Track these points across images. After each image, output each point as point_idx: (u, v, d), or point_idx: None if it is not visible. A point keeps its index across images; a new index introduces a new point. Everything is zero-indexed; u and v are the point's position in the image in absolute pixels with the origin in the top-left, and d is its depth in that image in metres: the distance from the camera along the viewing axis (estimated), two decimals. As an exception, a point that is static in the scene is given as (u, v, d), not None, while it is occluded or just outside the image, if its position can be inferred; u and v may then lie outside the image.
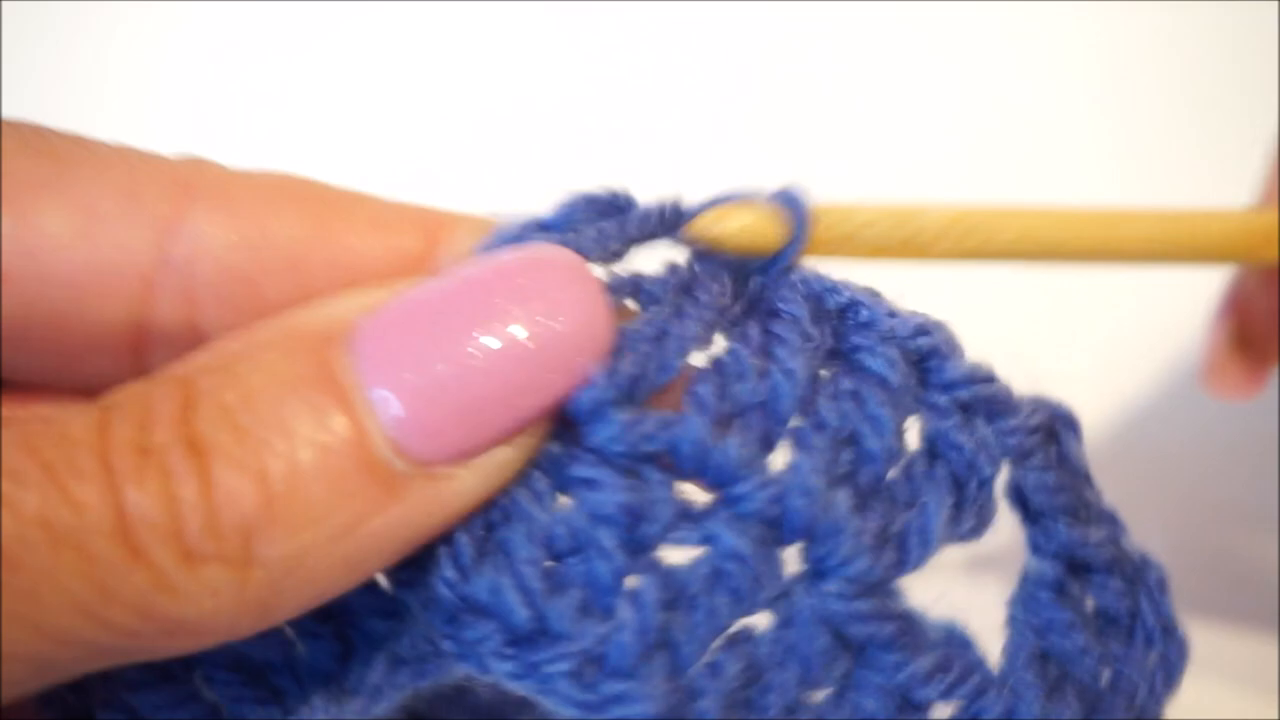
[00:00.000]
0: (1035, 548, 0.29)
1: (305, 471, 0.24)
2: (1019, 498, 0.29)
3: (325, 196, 0.29)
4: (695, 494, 0.27)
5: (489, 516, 0.26)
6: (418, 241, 0.28)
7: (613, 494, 0.26)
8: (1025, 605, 0.29)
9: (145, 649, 0.24)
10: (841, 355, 0.28)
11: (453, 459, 0.25)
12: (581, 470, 0.26)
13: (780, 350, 0.28)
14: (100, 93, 0.68)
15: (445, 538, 0.26)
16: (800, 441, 0.27)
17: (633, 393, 0.26)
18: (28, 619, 0.22)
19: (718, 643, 0.26)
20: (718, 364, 0.27)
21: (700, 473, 0.26)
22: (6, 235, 0.27)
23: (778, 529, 0.26)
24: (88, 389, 0.28)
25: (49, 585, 0.22)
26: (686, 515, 0.26)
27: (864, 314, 0.28)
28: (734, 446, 0.26)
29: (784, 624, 0.27)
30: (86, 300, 0.27)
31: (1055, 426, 0.29)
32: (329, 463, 0.24)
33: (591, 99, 0.69)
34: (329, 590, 0.25)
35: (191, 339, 0.28)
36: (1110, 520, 0.29)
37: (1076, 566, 0.29)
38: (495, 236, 0.28)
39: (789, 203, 0.30)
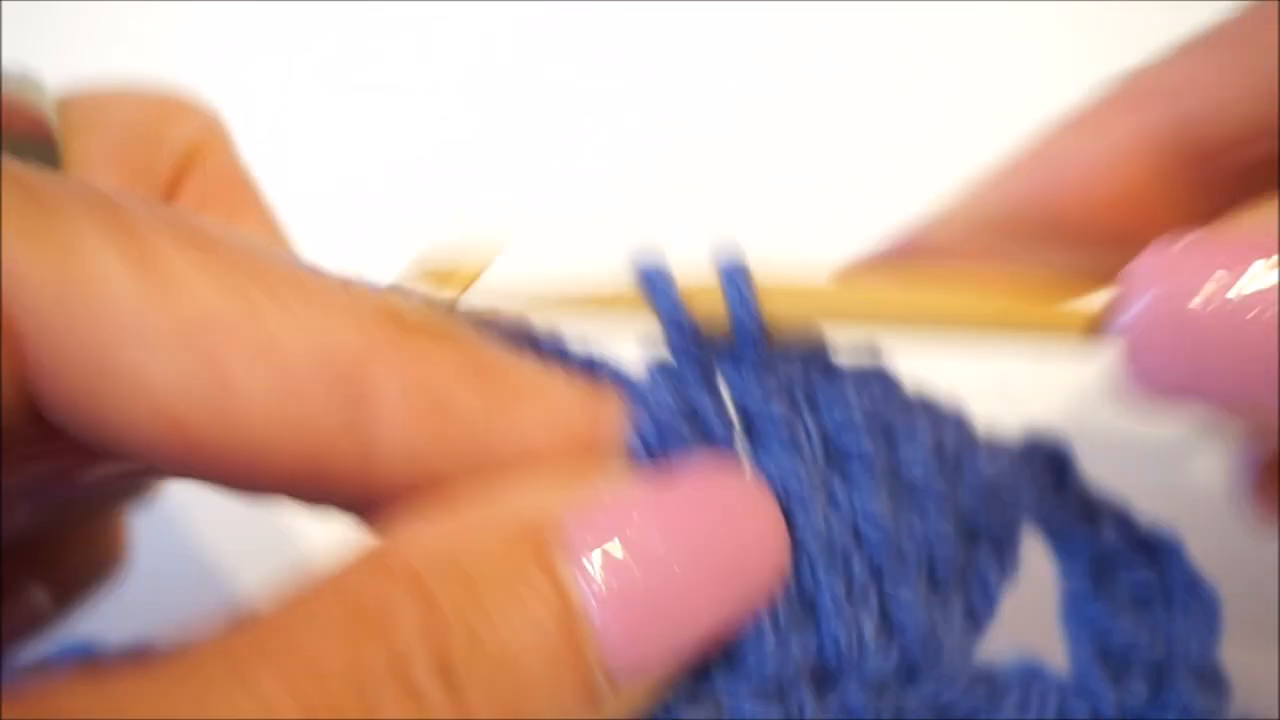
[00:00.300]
0: (1065, 559, 0.32)
1: (542, 698, 0.24)
2: (1039, 525, 0.32)
3: (501, 370, 0.28)
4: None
5: None
6: (584, 423, 0.28)
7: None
8: (1076, 619, 0.32)
9: None
10: (891, 469, 0.30)
11: (640, 673, 0.25)
12: (741, 701, 0.27)
13: (864, 502, 0.29)
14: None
15: None
16: (894, 581, 0.29)
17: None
18: None
19: None
20: (825, 544, 0.29)
21: (843, 670, 0.28)
22: (205, 399, 0.25)
23: (900, 675, 0.29)
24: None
25: None
26: (822, 693, 0.28)
27: (908, 431, 0.30)
28: (869, 635, 0.28)
29: None
30: (269, 459, 0.26)
31: (1055, 461, 0.32)
32: (558, 685, 0.24)
33: (593, 105, 0.69)
34: None
35: (359, 493, 0.27)
36: (1114, 509, 0.32)
37: (1102, 562, 0.32)
38: (640, 434, 0.28)
39: (729, 280, 0.29)
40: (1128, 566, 0.32)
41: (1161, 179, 0.32)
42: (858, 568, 0.29)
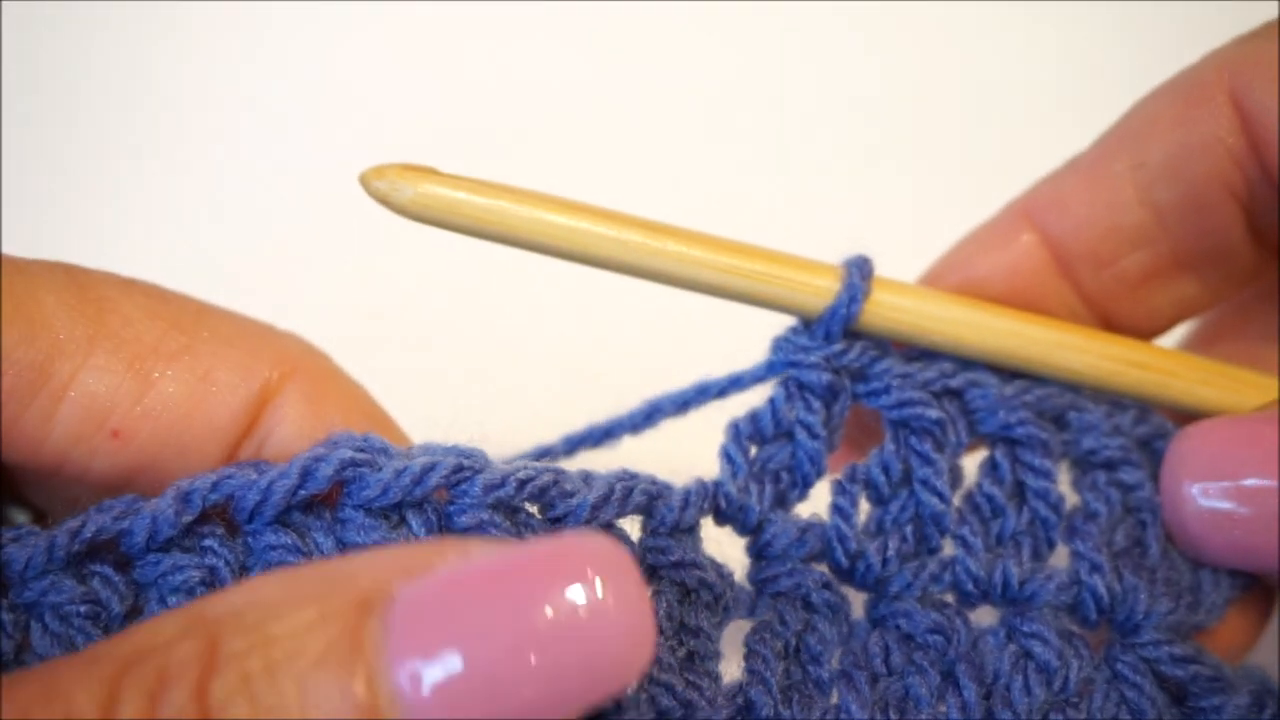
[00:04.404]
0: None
1: None
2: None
3: (388, 427, 0.34)
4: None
5: None
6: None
7: None
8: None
9: None
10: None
11: None
12: None
13: (1035, 478, 0.37)
14: (102, 93, 0.68)
15: None
16: (1075, 534, 0.36)
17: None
18: None
19: None
20: (971, 503, 0.38)
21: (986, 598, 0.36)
22: (132, 399, 0.31)
23: (1079, 612, 0.34)
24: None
25: None
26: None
27: (981, 398, 0.37)
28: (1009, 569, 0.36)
29: (1110, 683, 0.33)
30: (181, 460, 0.31)
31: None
32: None
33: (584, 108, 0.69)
34: None
35: None
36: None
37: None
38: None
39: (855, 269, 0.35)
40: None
41: (1060, 280, 0.38)
42: (1004, 526, 0.37)
